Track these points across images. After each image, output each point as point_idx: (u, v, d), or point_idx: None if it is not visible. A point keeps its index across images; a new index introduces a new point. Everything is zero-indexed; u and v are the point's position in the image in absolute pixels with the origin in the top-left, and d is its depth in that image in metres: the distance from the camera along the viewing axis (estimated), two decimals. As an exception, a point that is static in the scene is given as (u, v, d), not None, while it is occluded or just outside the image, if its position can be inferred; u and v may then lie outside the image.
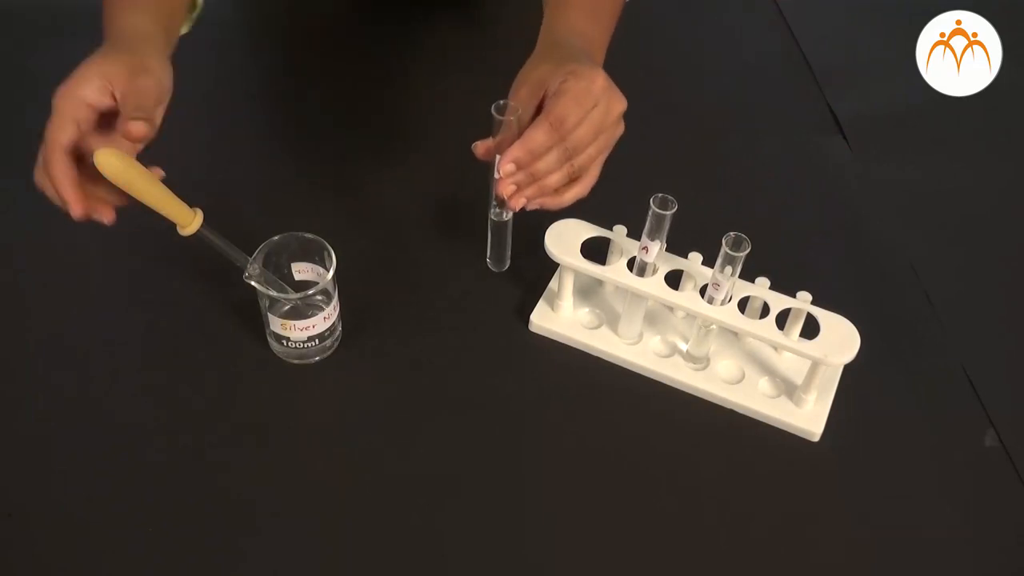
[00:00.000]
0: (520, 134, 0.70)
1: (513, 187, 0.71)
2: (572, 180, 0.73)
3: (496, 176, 0.71)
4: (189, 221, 0.71)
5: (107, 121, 0.69)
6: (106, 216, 0.69)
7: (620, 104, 0.72)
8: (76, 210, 0.67)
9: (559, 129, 0.69)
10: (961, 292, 0.90)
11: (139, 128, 0.66)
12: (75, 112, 0.67)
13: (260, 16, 1.17)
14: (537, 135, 0.69)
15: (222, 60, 1.08)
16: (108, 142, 0.67)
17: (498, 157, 0.71)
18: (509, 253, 0.80)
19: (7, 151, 0.96)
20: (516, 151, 0.69)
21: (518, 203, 0.72)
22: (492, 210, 0.76)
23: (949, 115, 1.06)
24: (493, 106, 0.70)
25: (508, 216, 0.76)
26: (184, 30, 0.83)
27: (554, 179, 0.72)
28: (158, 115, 0.69)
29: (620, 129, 0.74)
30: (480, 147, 0.74)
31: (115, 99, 0.68)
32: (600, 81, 0.70)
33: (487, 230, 0.82)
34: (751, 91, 1.11)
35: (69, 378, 0.79)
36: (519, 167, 0.70)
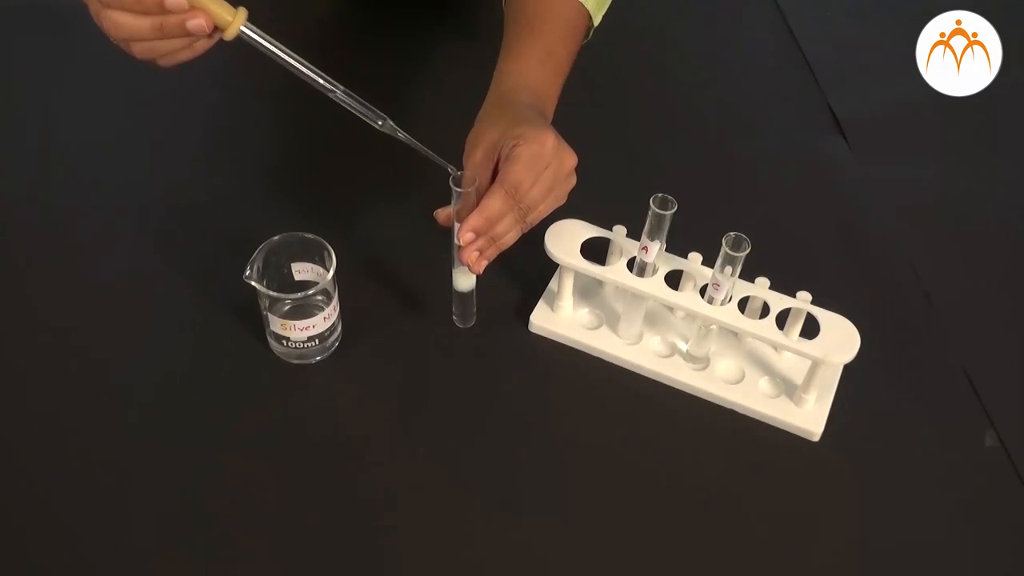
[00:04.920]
0: (478, 199, 0.73)
1: (476, 254, 0.74)
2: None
3: (457, 243, 0.74)
4: (230, 19, 0.64)
5: None
6: (203, 19, 0.63)
7: (571, 160, 0.75)
8: (198, 19, 0.61)
9: (514, 195, 0.72)
10: (961, 292, 0.90)
11: None
12: None
13: (260, 15, 1.16)
14: (494, 203, 0.72)
15: (222, 59, 1.08)
16: None
17: (457, 225, 0.73)
18: (475, 310, 0.82)
19: (8, 150, 0.96)
20: (475, 220, 0.72)
21: (480, 267, 0.75)
22: (454, 275, 0.78)
23: (949, 115, 1.05)
24: (451, 178, 0.73)
25: (471, 287, 0.79)
26: None
27: (510, 237, 0.75)
28: None
29: (572, 182, 0.76)
30: (440, 215, 0.76)
31: None
32: (550, 142, 0.73)
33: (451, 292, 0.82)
34: (751, 91, 1.11)
35: (67, 378, 0.79)
36: (478, 235, 0.73)
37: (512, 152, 0.72)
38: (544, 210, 0.75)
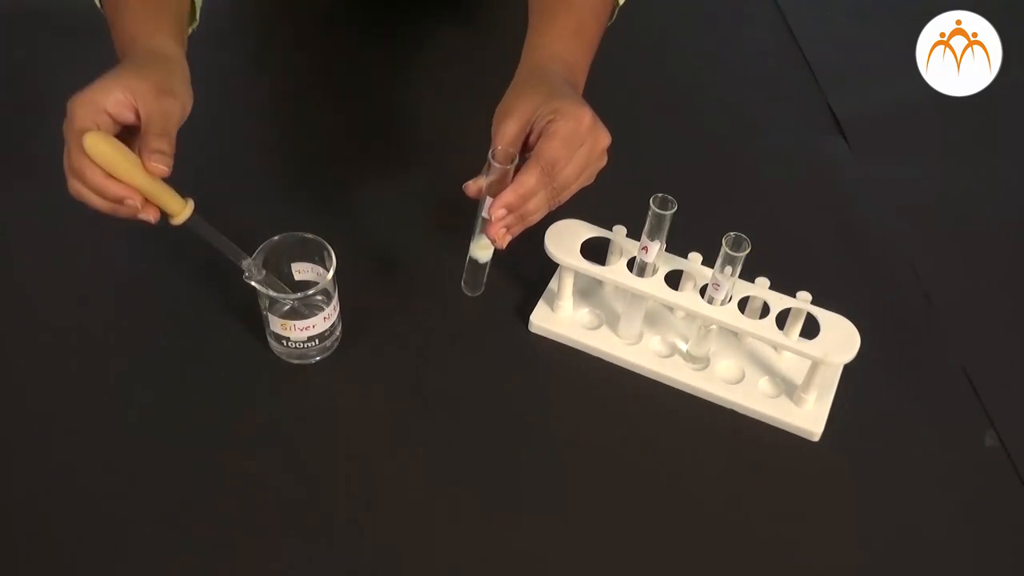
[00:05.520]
0: (507, 176, 0.71)
1: (503, 230, 0.72)
2: None
3: (485, 216, 0.72)
4: (180, 210, 0.69)
5: (122, 136, 0.68)
6: (152, 214, 0.68)
7: (605, 140, 0.73)
8: (138, 199, 0.66)
9: (548, 172, 0.70)
10: (961, 292, 0.90)
11: (161, 168, 0.66)
12: (94, 117, 0.65)
13: (259, 15, 1.17)
14: (529, 180, 0.70)
15: (221, 59, 1.08)
16: None
17: (488, 199, 0.72)
18: (485, 279, 0.80)
19: (8, 151, 0.96)
20: (509, 196, 0.70)
21: (505, 242, 0.73)
22: (473, 245, 0.76)
23: (949, 115, 1.05)
24: (491, 152, 0.71)
25: (488, 258, 0.77)
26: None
27: (536, 216, 0.73)
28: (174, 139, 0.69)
29: (603, 162, 0.75)
30: (471, 188, 0.74)
31: (137, 116, 0.67)
32: (587, 120, 0.71)
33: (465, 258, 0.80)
34: (751, 91, 1.11)
35: (67, 378, 0.79)
36: (510, 211, 0.71)
37: (549, 127, 0.70)
38: (575, 189, 0.73)
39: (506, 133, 0.72)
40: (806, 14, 1.19)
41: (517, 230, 0.73)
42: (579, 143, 0.71)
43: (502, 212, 0.71)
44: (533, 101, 0.72)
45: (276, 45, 1.13)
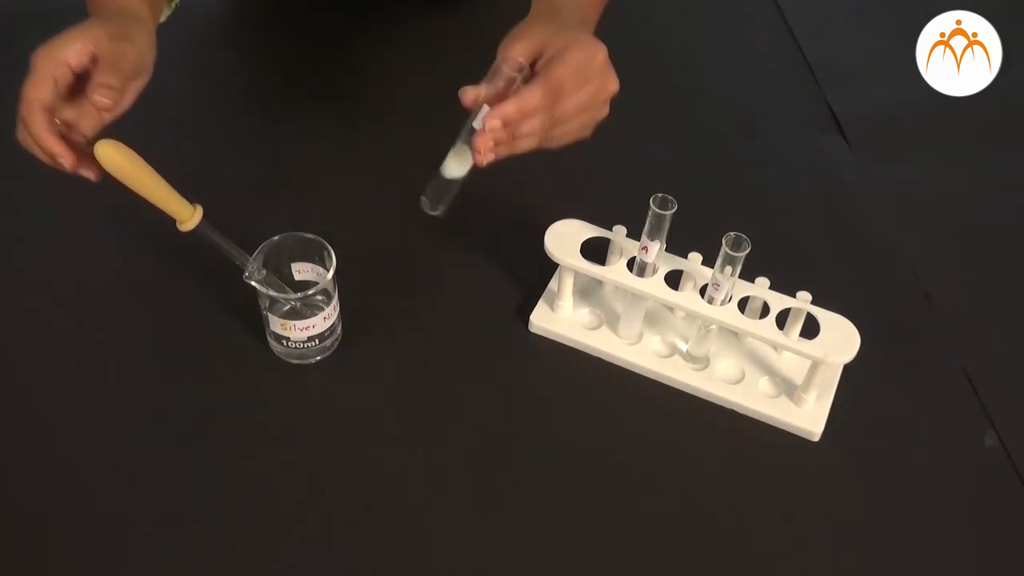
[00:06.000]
0: (506, 92, 0.69)
1: (491, 143, 0.68)
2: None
3: (476, 127, 0.69)
4: (189, 217, 0.71)
5: (84, 85, 0.69)
6: (93, 173, 0.69)
7: (613, 85, 0.72)
8: (67, 161, 0.68)
9: (553, 96, 0.68)
10: (961, 292, 0.90)
11: (103, 100, 0.67)
12: (53, 70, 0.67)
13: (259, 15, 1.17)
14: (532, 97, 0.68)
15: (221, 59, 1.09)
16: (80, 107, 0.68)
17: (483, 109, 0.69)
18: (450, 200, 0.73)
19: (8, 151, 0.96)
20: (509, 108, 0.67)
21: (487, 159, 0.69)
22: (449, 157, 0.72)
23: (949, 115, 1.05)
24: (499, 58, 0.69)
25: (461, 175, 0.72)
26: (162, 18, 0.83)
27: (526, 143, 0.70)
28: (132, 90, 0.70)
29: (605, 112, 0.73)
30: (469, 94, 0.69)
31: (95, 61, 0.68)
32: (601, 57, 0.70)
33: (435, 172, 0.74)
34: (751, 91, 1.11)
35: (67, 378, 0.79)
36: (505, 124, 0.68)
37: (563, 53, 0.68)
38: (570, 129, 0.71)
39: (514, 50, 0.70)
40: (806, 14, 1.19)
41: (503, 151, 0.70)
42: (589, 77, 0.69)
43: (497, 123, 0.67)
44: (546, 30, 0.70)
45: (275, 45, 1.13)
